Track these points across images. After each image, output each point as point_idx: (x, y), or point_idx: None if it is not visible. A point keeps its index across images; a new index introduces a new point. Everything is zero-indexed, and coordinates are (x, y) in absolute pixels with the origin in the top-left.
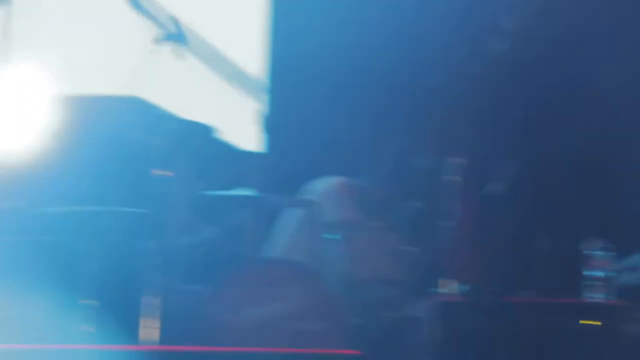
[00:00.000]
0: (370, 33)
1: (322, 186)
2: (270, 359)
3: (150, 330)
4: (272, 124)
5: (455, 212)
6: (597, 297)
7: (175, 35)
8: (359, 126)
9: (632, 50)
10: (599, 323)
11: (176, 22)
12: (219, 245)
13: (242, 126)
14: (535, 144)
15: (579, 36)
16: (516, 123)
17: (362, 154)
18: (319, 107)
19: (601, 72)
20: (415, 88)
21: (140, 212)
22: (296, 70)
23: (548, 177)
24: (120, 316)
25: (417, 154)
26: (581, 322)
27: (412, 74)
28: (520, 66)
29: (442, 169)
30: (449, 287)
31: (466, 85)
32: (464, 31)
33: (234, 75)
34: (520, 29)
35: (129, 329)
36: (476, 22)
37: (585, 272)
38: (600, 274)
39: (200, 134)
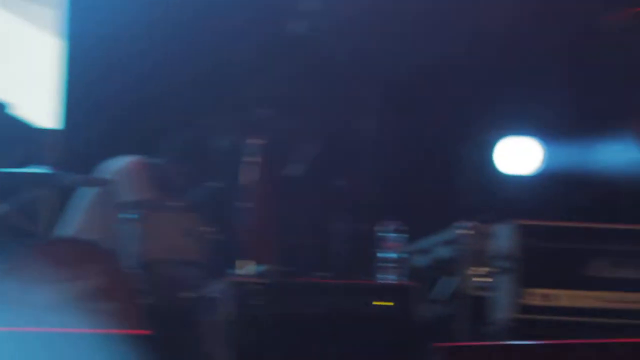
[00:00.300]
0: (172, 12)
1: (118, 165)
2: (61, 340)
3: None
4: (68, 101)
5: (253, 193)
6: (389, 278)
7: None
8: (157, 105)
9: (439, 32)
10: (391, 304)
11: None
12: (11, 223)
13: (36, 102)
14: (331, 126)
15: (378, 17)
16: (316, 104)
17: (160, 132)
18: (116, 85)
19: (404, 53)
20: (214, 68)
21: None
22: (94, 47)
23: (345, 159)
24: None
25: (215, 134)
26: (374, 302)
27: (212, 53)
28: (319, 47)
29: (240, 150)
30: (245, 268)
31: (265, 66)
32: (263, 11)
33: (30, 50)
34: (319, 10)
35: None
36: (274, 3)
37: (379, 254)
38: (393, 255)
39: None
